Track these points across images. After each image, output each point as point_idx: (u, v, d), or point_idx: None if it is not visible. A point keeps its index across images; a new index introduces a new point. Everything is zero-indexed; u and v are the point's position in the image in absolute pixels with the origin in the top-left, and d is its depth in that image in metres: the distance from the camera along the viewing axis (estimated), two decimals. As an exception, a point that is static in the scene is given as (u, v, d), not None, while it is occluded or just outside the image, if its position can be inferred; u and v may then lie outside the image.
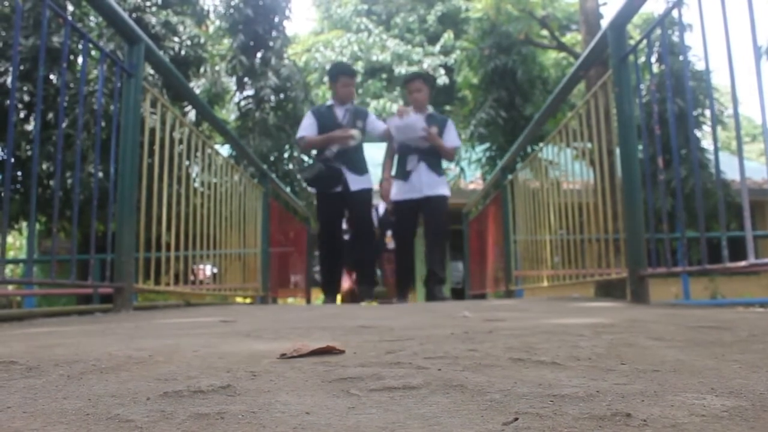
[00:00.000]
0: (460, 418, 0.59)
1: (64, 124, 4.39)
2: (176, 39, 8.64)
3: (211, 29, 11.85)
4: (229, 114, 13.26)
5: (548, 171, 4.14)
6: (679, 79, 7.35)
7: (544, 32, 11.43)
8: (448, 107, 15.18)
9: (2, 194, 4.33)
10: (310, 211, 7.99)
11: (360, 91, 17.86)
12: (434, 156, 4.65)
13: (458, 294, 9.84)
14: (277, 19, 10.91)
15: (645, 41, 2.64)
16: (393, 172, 4.78)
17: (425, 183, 4.57)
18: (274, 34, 10.87)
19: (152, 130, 2.97)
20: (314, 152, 4.81)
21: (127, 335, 1.34)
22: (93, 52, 8.03)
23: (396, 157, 4.76)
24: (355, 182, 4.52)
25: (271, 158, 10.16)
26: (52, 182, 7.29)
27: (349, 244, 5.06)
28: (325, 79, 18.06)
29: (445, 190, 4.69)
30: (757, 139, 24.07)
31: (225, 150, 7.79)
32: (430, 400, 0.66)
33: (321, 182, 4.51)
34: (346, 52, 18.68)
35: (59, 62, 6.24)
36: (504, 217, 5.03)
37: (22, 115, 7.43)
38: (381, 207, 5.69)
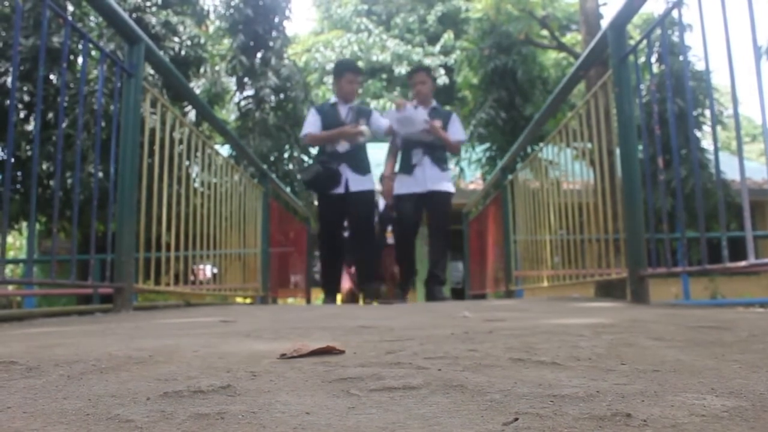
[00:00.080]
0: (460, 418, 0.59)
1: (64, 124, 4.39)
2: (176, 39, 8.64)
3: (211, 29, 11.85)
4: (229, 114, 13.25)
5: (548, 171, 4.14)
6: (679, 79, 7.35)
7: (544, 32, 11.42)
8: (448, 107, 15.17)
9: (2, 194, 4.33)
10: (310, 211, 8.00)
11: (360, 91, 17.85)
12: (439, 150, 4.58)
13: (458, 294, 9.84)
14: (277, 19, 10.91)
15: (645, 41, 2.65)
16: (397, 167, 4.71)
17: (429, 177, 4.51)
18: (274, 34, 10.88)
19: (152, 130, 2.97)
20: (314, 152, 4.79)
21: (127, 335, 1.34)
22: (93, 52, 8.03)
23: (400, 152, 4.69)
24: (356, 183, 4.45)
25: (271, 158, 10.16)
26: (52, 182, 7.29)
27: (348, 241, 5.02)
28: (325, 79, 18.19)
29: (449, 187, 4.62)
30: (757, 139, 24.07)
31: (225, 150, 7.79)
32: (430, 401, 0.65)
33: (319, 184, 4.46)
34: (346, 52, 18.69)
35: (59, 62, 6.24)
36: (504, 217, 5.03)
37: (22, 115, 7.43)
38: (381, 203, 5.67)
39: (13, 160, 7.08)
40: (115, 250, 2.51)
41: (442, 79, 16.55)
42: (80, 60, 6.68)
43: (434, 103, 4.77)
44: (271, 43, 10.80)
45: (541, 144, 4.27)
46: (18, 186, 7.73)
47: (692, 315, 1.68)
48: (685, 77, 2.09)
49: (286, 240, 6.30)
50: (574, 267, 3.49)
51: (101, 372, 0.83)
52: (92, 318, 2.14)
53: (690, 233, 6.08)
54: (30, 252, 2.52)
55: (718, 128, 10.67)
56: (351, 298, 5.90)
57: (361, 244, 4.62)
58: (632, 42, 2.60)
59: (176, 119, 3.27)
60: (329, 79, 17.89)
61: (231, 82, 11.22)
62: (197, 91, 9.68)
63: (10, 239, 11.82)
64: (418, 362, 0.88)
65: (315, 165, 4.53)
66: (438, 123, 4.50)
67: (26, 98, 7.27)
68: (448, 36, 18.25)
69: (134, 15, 8.12)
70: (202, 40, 9.12)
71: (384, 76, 18.67)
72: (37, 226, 8.66)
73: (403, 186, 4.59)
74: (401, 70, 17.81)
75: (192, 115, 8.27)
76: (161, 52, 3.46)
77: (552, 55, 12.53)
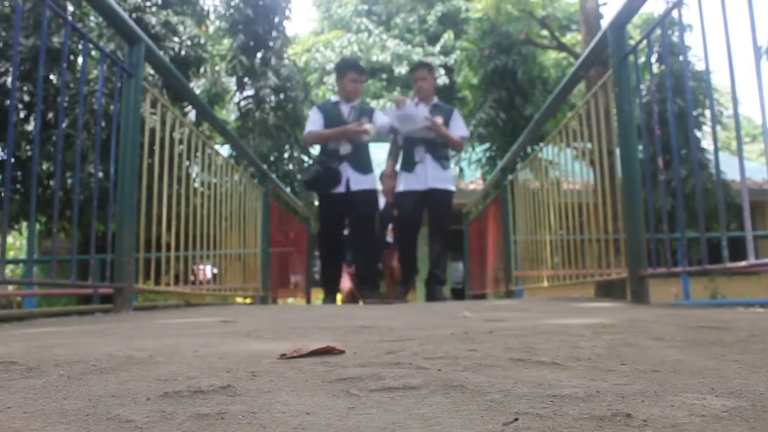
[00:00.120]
0: (460, 418, 0.59)
1: (64, 124, 4.39)
2: (176, 39, 8.64)
3: (211, 29, 11.85)
4: (229, 114, 13.26)
5: (548, 171, 4.14)
6: (679, 79, 7.35)
7: (544, 32, 11.42)
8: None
9: (2, 194, 4.33)
10: (310, 211, 8.00)
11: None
12: (441, 148, 4.53)
13: (458, 294, 9.84)
14: (277, 20, 10.91)
15: (645, 41, 2.65)
16: (399, 164, 4.66)
17: (430, 175, 4.46)
18: (274, 34, 10.88)
19: (152, 131, 2.97)
20: (315, 152, 4.76)
21: (127, 335, 1.34)
22: (93, 52, 8.03)
23: (402, 149, 4.63)
24: (357, 182, 4.39)
25: (271, 158, 10.16)
26: (52, 182, 7.29)
27: (349, 240, 4.97)
28: (326, 79, 18.17)
29: (450, 185, 4.59)
30: (757, 139, 24.07)
31: (225, 150, 7.79)
32: (430, 401, 0.65)
33: (319, 184, 4.41)
34: (346, 52, 18.68)
35: (59, 62, 6.24)
36: (504, 217, 5.03)
37: (22, 115, 7.43)
38: (381, 201, 5.65)
39: (13, 160, 7.08)
40: (115, 250, 2.51)
41: (442, 80, 16.55)
42: (80, 60, 6.68)
43: (436, 99, 4.72)
44: (271, 43, 10.80)
45: (541, 144, 4.27)
46: (18, 186, 7.73)
47: (692, 315, 1.68)
48: (685, 77, 2.09)
49: (286, 240, 6.30)
50: (574, 267, 3.49)
51: (101, 372, 0.83)
52: (92, 318, 2.14)
53: (690, 233, 6.08)
54: (30, 252, 2.52)
55: (718, 128, 10.68)
56: (351, 298, 5.89)
57: (362, 244, 4.56)
58: (632, 42, 2.60)
59: (176, 119, 3.27)
60: (329, 79, 17.90)
61: (231, 82, 11.23)
62: (197, 91, 9.69)
63: (10, 239, 11.82)
64: (418, 362, 0.88)
65: (315, 165, 4.48)
66: (439, 120, 4.44)
67: (26, 98, 7.28)
68: (448, 36, 18.25)
69: (134, 15, 8.12)
70: (202, 40, 9.12)
71: (384, 76, 18.66)
72: (37, 226, 8.66)
73: (405, 183, 4.55)
74: (401, 70, 17.81)
75: (192, 115, 8.27)
76: (161, 52, 3.46)
77: (552, 55, 12.53)
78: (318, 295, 8.05)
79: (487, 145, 11.20)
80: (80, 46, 4.79)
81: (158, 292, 3.32)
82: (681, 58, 4.18)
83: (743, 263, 1.83)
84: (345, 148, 4.38)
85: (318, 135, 4.44)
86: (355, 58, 16.02)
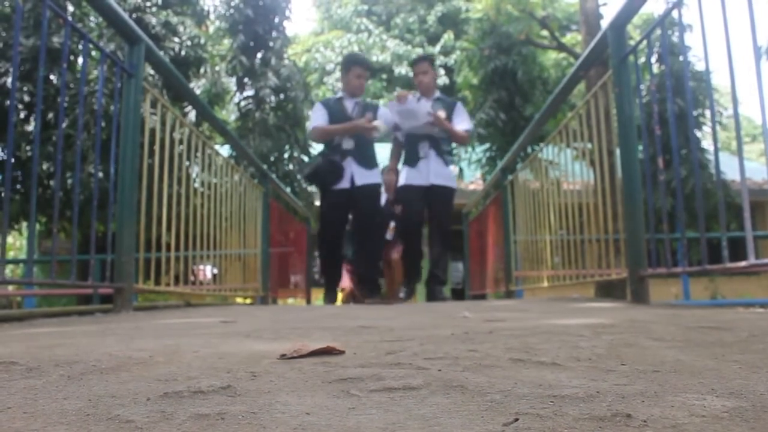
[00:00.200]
0: (461, 418, 0.59)
1: (64, 125, 4.39)
2: (176, 39, 8.65)
3: (211, 29, 11.86)
4: (229, 114, 13.26)
5: (548, 171, 4.14)
6: (679, 80, 7.35)
7: (545, 33, 11.43)
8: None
9: (2, 194, 4.33)
10: (311, 211, 8.00)
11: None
12: (444, 143, 4.46)
13: (458, 294, 9.84)
14: (277, 20, 10.91)
15: (645, 41, 2.65)
16: (402, 160, 4.60)
17: (432, 171, 4.40)
18: (274, 34, 10.88)
19: (152, 131, 2.97)
20: (316, 151, 4.70)
21: (128, 336, 1.34)
22: (93, 53, 8.03)
23: (405, 145, 4.55)
24: (361, 176, 4.26)
25: (271, 158, 10.16)
26: (52, 182, 7.29)
27: (350, 234, 4.91)
28: (326, 79, 18.16)
29: (452, 182, 4.54)
30: (757, 139, 24.08)
31: (225, 150, 7.79)
32: (431, 401, 0.65)
33: (320, 177, 4.28)
34: (346, 52, 18.68)
35: (59, 62, 6.24)
36: (504, 217, 5.03)
37: (22, 115, 7.44)
38: (383, 198, 5.61)
39: (13, 160, 7.09)
40: (115, 251, 2.51)
41: (443, 80, 16.56)
42: (80, 60, 6.69)
43: (438, 93, 4.65)
44: (271, 44, 10.80)
45: (541, 144, 4.27)
46: (18, 186, 7.73)
47: (692, 315, 1.68)
48: (685, 77, 2.09)
49: (286, 240, 6.30)
50: (574, 267, 3.49)
51: (101, 372, 0.83)
52: (92, 318, 2.14)
53: (690, 233, 6.09)
54: (30, 252, 2.52)
55: (718, 128, 10.68)
56: (351, 298, 5.88)
57: (365, 241, 4.44)
58: (632, 42, 2.60)
59: (176, 119, 3.27)
60: (329, 79, 17.92)
61: (231, 83, 11.23)
62: (197, 92, 9.68)
63: (10, 239, 11.82)
64: (418, 362, 0.88)
65: (317, 158, 4.35)
66: (442, 114, 4.36)
67: (26, 98, 7.28)
68: (448, 36, 18.26)
69: (134, 15, 8.13)
70: (202, 41, 9.12)
71: (384, 76, 18.67)
72: (37, 226, 8.67)
73: (406, 177, 4.48)
74: (401, 70, 17.82)
75: (192, 115, 8.27)
76: (161, 53, 3.46)
77: (552, 56, 12.54)
78: (318, 295, 8.05)
79: (487, 145, 11.21)
80: (80, 47, 4.79)
81: (158, 293, 3.32)
82: (681, 58, 4.18)
83: (743, 263, 1.83)
84: (348, 143, 4.28)
85: (324, 130, 4.29)
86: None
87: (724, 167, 7.64)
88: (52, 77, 7.62)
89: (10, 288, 7.40)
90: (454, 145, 5.12)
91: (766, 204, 12.08)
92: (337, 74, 17.38)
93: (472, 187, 11.45)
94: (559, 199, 3.79)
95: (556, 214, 3.78)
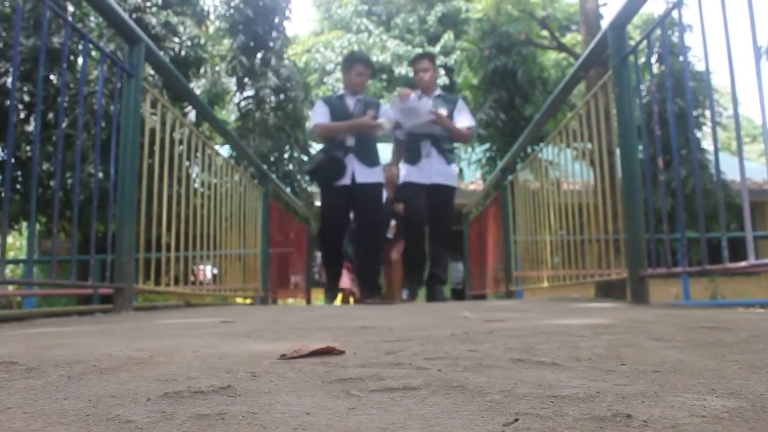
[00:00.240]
0: (461, 418, 0.59)
1: (64, 125, 4.39)
2: (176, 39, 8.65)
3: (211, 30, 11.86)
4: (229, 114, 13.26)
5: (548, 171, 4.14)
6: (679, 80, 7.35)
7: (545, 33, 11.43)
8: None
9: (2, 194, 4.33)
10: (311, 211, 8.00)
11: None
12: (446, 141, 4.43)
13: (458, 294, 9.84)
14: (277, 20, 10.91)
15: (645, 42, 2.65)
16: (403, 158, 4.57)
17: (434, 170, 4.37)
18: (274, 34, 10.88)
19: (152, 131, 2.97)
20: (315, 150, 4.64)
21: (128, 336, 1.34)
22: (93, 53, 8.03)
23: (406, 143, 4.51)
24: (363, 174, 4.22)
25: (272, 159, 10.17)
26: (52, 182, 7.29)
27: (351, 233, 4.88)
28: (326, 79, 18.15)
29: (453, 181, 4.51)
30: (757, 140, 24.08)
31: (225, 150, 7.79)
32: (431, 401, 0.65)
33: (321, 174, 4.22)
34: (347, 52, 18.69)
35: (59, 63, 6.24)
36: (504, 217, 5.02)
37: (22, 115, 7.44)
38: (383, 195, 5.55)
39: (13, 160, 7.09)
40: (115, 251, 2.51)
41: (443, 80, 16.56)
42: (80, 60, 6.69)
43: (439, 90, 4.61)
44: (271, 44, 10.80)
45: (541, 144, 4.27)
46: (18, 186, 7.73)
47: (692, 315, 1.68)
48: (685, 78, 2.09)
49: (286, 240, 6.30)
50: (574, 267, 3.49)
51: (101, 372, 0.83)
52: (92, 318, 2.14)
53: (690, 234, 6.08)
54: (30, 252, 2.52)
55: (718, 129, 10.68)
56: (351, 298, 5.88)
57: (366, 241, 4.39)
58: (632, 42, 2.60)
59: (176, 120, 3.27)
60: (329, 80, 17.91)
61: (231, 83, 11.23)
62: (197, 92, 9.69)
63: (10, 239, 11.82)
64: (418, 363, 0.88)
65: (318, 154, 4.30)
66: (443, 112, 4.33)
67: (26, 98, 7.28)
68: (448, 36, 18.25)
69: (134, 15, 8.13)
70: (202, 41, 9.12)
71: (384, 76, 18.66)
72: (37, 226, 8.67)
73: (408, 175, 4.46)
74: (401, 70, 17.82)
75: (192, 115, 8.27)
76: (161, 53, 3.46)
77: (552, 56, 12.54)
78: (318, 295, 8.05)
79: (487, 145, 11.21)
80: (80, 47, 4.79)
81: (158, 293, 3.32)
82: (681, 58, 4.18)
83: (743, 263, 1.83)
84: (350, 140, 4.23)
85: (328, 128, 4.24)
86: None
87: (724, 167, 7.64)
88: (52, 77, 7.62)
89: (10, 288, 7.40)
90: (456, 144, 5.10)
91: (766, 204, 12.08)
92: (337, 74, 17.39)
93: (472, 187, 11.46)
94: (559, 200, 3.79)
95: (556, 215, 3.78)
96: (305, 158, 10.49)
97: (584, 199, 3.39)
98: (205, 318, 2.07)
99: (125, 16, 2.61)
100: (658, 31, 2.40)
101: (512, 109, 10.89)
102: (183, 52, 8.66)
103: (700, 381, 0.74)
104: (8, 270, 7.00)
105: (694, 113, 9.66)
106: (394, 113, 4.39)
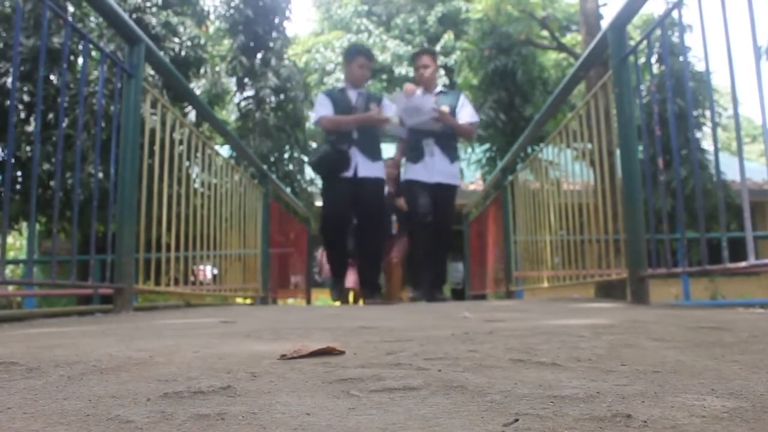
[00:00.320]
0: (461, 419, 0.59)
1: (64, 125, 4.39)
2: (176, 40, 8.65)
3: (211, 30, 11.86)
4: (229, 115, 13.27)
5: (548, 172, 4.14)
6: (679, 80, 7.35)
7: (545, 33, 11.44)
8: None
9: (2, 194, 4.33)
10: (311, 211, 8.00)
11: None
12: (450, 139, 4.39)
13: (458, 294, 9.83)
14: (277, 20, 10.92)
15: (645, 42, 2.65)
16: (406, 156, 4.54)
17: (437, 169, 4.34)
18: (274, 34, 10.89)
19: (152, 131, 2.97)
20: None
21: (128, 336, 1.34)
22: (93, 53, 8.04)
23: (409, 140, 4.46)
24: (365, 168, 4.18)
25: (272, 159, 10.17)
26: (52, 183, 7.29)
27: (352, 229, 4.83)
28: (326, 79, 18.15)
29: (456, 180, 4.49)
30: (757, 140, 24.08)
31: (225, 151, 7.79)
32: (431, 401, 0.65)
33: (327, 165, 4.18)
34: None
35: (59, 63, 6.24)
36: (504, 217, 5.02)
37: (22, 115, 7.43)
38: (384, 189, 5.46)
39: (13, 160, 7.09)
40: (115, 251, 2.51)
41: (443, 80, 16.56)
42: (80, 60, 6.69)
43: (440, 87, 4.57)
44: (271, 44, 10.81)
45: (542, 144, 4.27)
46: (18, 186, 7.73)
47: (692, 316, 1.68)
48: (686, 78, 2.09)
49: (286, 240, 6.30)
50: (574, 268, 3.49)
51: (101, 373, 0.83)
52: (92, 318, 2.14)
53: (690, 234, 6.08)
54: (30, 252, 2.52)
55: (718, 129, 10.68)
56: (355, 297, 5.87)
57: (368, 238, 4.34)
58: (632, 42, 2.60)
59: (176, 120, 3.27)
60: (329, 80, 17.91)
61: (231, 83, 11.24)
62: (197, 92, 9.69)
63: (10, 239, 11.82)
64: (418, 363, 0.88)
65: (323, 145, 4.25)
66: (446, 109, 4.29)
67: (26, 99, 7.28)
68: (448, 37, 18.25)
69: (134, 15, 8.13)
70: (202, 41, 9.13)
71: (384, 76, 18.66)
72: (37, 226, 8.67)
73: (411, 173, 4.43)
74: (401, 70, 17.82)
75: (192, 115, 8.27)
76: (161, 53, 3.46)
77: (552, 56, 12.54)
78: (318, 295, 8.05)
79: (487, 145, 11.21)
80: (80, 47, 4.79)
81: (158, 293, 3.32)
82: (681, 58, 4.18)
83: (743, 264, 1.83)
84: (354, 133, 4.19)
85: (335, 120, 4.18)
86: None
87: (724, 167, 7.64)
88: (52, 77, 7.62)
89: (10, 288, 7.40)
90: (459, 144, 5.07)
91: (766, 204, 12.09)
92: (337, 75, 17.39)
93: (472, 187, 11.45)
94: (559, 200, 3.79)
95: (556, 215, 3.78)
96: (305, 158, 10.50)
97: (584, 200, 3.39)
98: (205, 318, 2.07)
99: (125, 16, 2.61)
100: (658, 32, 2.40)
101: (512, 110, 10.89)
102: (183, 53, 8.66)
103: (700, 381, 0.74)
104: (8, 270, 7.00)
105: (694, 113, 9.66)
106: (396, 110, 4.35)
